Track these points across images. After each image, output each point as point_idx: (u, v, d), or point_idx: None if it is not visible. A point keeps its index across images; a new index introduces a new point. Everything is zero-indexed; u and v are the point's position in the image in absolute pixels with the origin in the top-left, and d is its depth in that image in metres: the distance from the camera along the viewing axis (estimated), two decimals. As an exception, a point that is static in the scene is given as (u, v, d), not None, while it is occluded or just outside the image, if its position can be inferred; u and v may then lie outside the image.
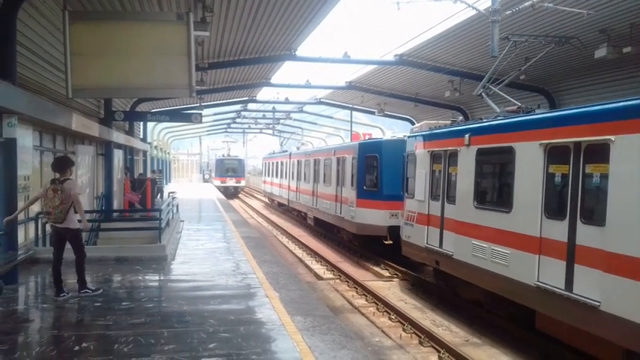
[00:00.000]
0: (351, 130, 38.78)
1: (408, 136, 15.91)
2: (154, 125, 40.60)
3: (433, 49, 18.92)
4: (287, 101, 35.04)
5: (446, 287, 13.86)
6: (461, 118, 17.15)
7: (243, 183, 58.67)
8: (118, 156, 20.97)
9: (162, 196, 28.35)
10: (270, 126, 48.66)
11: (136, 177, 25.47)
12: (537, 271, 9.29)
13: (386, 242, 18.57)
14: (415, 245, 14.43)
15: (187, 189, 45.48)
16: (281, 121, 45.88)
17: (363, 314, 13.17)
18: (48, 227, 12.91)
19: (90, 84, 10.02)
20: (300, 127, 49.94)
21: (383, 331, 11.81)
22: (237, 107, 39.45)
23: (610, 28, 14.42)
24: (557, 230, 8.87)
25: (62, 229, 9.00)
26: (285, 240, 25.44)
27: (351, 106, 33.88)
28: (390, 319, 12.71)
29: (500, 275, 10.33)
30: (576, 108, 9.04)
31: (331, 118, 42.98)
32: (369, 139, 27.25)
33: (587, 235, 8.22)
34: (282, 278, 10.90)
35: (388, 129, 43.48)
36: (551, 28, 15.11)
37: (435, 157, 13.66)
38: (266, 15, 15.01)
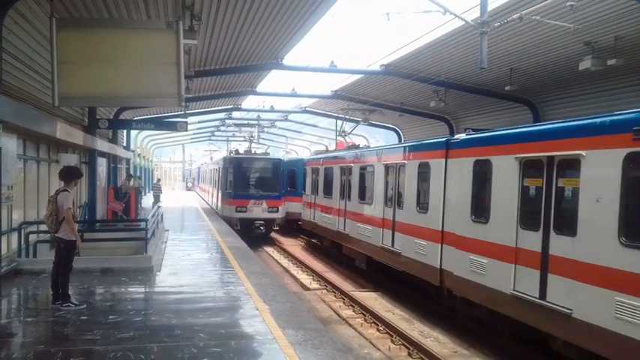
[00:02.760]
0: (336, 139, 38.74)
1: (306, 158, 26.60)
2: (136, 133, 40.24)
3: (419, 59, 19.01)
4: (272, 110, 34.93)
5: (319, 243, 24.63)
6: (333, 147, 28.75)
7: (282, 211, 27.47)
8: (102, 164, 20.72)
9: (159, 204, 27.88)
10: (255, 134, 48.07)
11: (119, 185, 25.15)
12: (337, 225, 19.89)
13: (299, 223, 26.90)
14: (306, 221, 24.67)
15: (171, 197, 45.09)
16: (265, 129, 45.63)
17: (350, 325, 13.09)
18: (33, 237, 12.78)
19: (77, 92, 9.82)
20: (284, 136, 49.82)
21: (372, 343, 11.74)
22: (222, 115, 39.25)
23: (595, 41, 14.62)
24: (345, 204, 19.19)
25: (57, 237, 9.03)
26: (270, 250, 25.31)
27: (336, 114, 33.86)
28: (378, 330, 12.65)
29: (330, 229, 20.80)
30: (345, 150, 22.08)
31: (316, 126, 42.96)
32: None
33: (350, 206, 18.83)
34: (271, 290, 10.78)
35: (372, 138, 43.57)
36: (537, 40, 15.27)
37: (312, 171, 23.96)
38: (254, 24, 14.97)
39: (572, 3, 11.47)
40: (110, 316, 8.46)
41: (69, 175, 9.44)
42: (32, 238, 12.64)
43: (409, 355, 11.00)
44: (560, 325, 8.56)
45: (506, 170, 10.09)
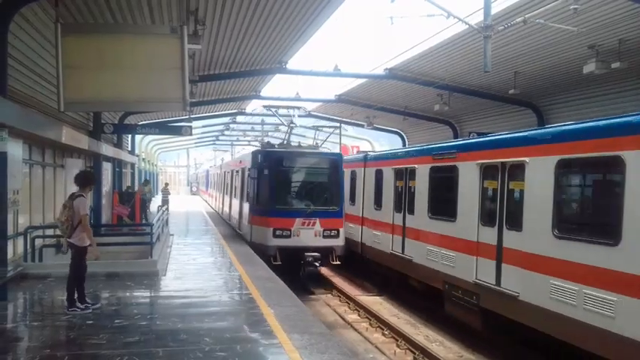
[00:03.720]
0: (340, 143, 38.74)
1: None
2: (141, 137, 40.23)
3: (423, 62, 19.00)
4: (276, 114, 34.85)
5: None
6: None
7: (342, 237, 16.95)
8: (107, 169, 20.77)
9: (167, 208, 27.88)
10: (259, 138, 47.82)
11: (123, 190, 25.21)
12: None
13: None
14: None
15: (175, 201, 45.07)
16: (269, 133, 45.57)
17: (356, 330, 13.09)
18: (39, 241, 12.82)
19: (82, 97, 9.81)
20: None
21: (377, 347, 11.74)
22: (226, 119, 39.25)
23: (599, 44, 14.58)
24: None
25: (70, 243, 9.04)
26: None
27: (339, 119, 33.84)
28: (383, 334, 12.65)
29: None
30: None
31: (320, 130, 42.85)
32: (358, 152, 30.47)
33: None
34: (276, 294, 10.79)
35: (375, 141, 43.51)
36: (541, 44, 15.25)
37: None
38: (257, 28, 15.00)
39: (576, 6, 11.46)
40: (116, 321, 8.49)
41: (85, 181, 9.40)
42: (38, 242, 12.68)
43: (415, 359, 10.99)
44: (410, 268, 14.53)
45: (388, 176, 16.40)
